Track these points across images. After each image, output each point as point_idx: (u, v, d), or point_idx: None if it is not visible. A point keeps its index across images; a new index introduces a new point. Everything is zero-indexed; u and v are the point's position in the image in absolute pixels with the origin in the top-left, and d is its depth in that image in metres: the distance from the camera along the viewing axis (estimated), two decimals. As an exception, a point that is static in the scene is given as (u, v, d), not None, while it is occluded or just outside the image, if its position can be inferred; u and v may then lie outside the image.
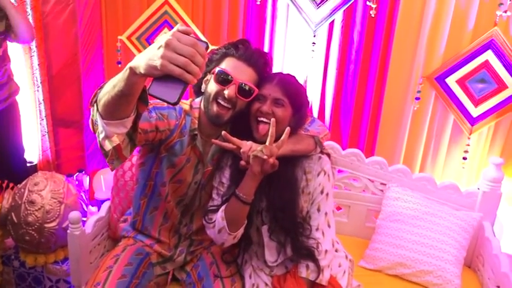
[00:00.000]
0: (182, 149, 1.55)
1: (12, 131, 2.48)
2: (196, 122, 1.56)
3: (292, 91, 1.52)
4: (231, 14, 2.48)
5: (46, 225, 1.98)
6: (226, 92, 1.46)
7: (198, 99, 1.60)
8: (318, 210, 1.54)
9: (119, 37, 2.53)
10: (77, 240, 1.76)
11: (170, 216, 1.66)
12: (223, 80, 1.46)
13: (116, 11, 2.55)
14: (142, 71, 0.89)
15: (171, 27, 2.47)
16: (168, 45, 0.84)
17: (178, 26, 0.88)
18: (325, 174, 1.56)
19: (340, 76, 2.48)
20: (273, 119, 1.40)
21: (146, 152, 1.60)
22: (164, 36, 0.86)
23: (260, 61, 1.52)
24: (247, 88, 1.48)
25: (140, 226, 1.71)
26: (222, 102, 1.47)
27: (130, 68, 0.94)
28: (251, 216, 1.51)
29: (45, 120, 2.69)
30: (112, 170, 1.35)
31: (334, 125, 2.58)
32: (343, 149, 2.17)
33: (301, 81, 2.53)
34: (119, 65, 2.56)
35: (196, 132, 1.55)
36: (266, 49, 2.52)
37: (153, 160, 1.59)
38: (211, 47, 2.41)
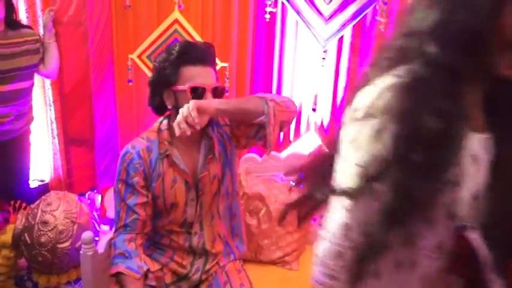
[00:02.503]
0: (162, 176, 1.55)
1: (22, 156, 2.51)
2: (166, 143, 1.55)
3: None
4: (240, 31, 2.50)
5: (59, 245, 1.98)
6: None
7: (164, 121, 1.59)
8: None
9: (130, 56, 2.56)
10: (90, 260, 1.74)
11: (179, 233, 1.65)
12: (198, 94, 1.46)
13: (126, 30, 2.58)
14: None
15: (181, 46, 2.50)
16: None
17: None
18: None
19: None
20: None
21: None
22: None
23: (211, 54, 1.52)
24: (219, 89, 1.51)
25: (158, 238, 1.70)
26: None
27: None
28: None
29: (56, 138, 2.71)
30: None
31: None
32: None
33: (311, 97, 2.54)
34: (130, 84, 2.58)
35: (167, 153, 1.55)
36: (276, 65, 2.53)
37: None
38: (220, 64, 2.44)
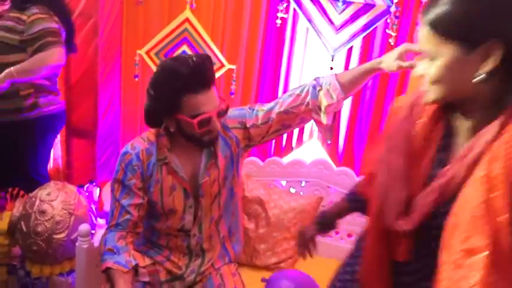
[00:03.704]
0: (160, 182, 1.55)
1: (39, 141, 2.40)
2: (166, 150, 1.54)
3: None
4: (250, 34, 2.50)
5: (55, 236, 1.97)
6: (211, 128, 1.45)
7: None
8: None
9: (138, 51, 2.56)
10: (84, 253, 1.74)
11: (177, 236, 1.65)
12: (204, 123, 1.42)
13: (136, 25, 2.58)
14: None
15: (190, 45, 2.50)
16: None
17: None
18: None
19: (356, 102, 2.48)
20: None
21: None
22: None
23: (209, 73, 1.42)
24: (224, 111, 1.49)
25: (155, 238, 1.70)
26: (211, 134, 1.47)
27: None
28: None
29: (58, 134, 2.70)
30: None
31: (348, 151, 2.56)
32: (357, 175, 2.15)
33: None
34: (136, 79, 2.58)
35: (166, 161, 1.53)
36: (283, 71, 2.53)
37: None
38: (228, 66, 2.44)
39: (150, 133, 1.58)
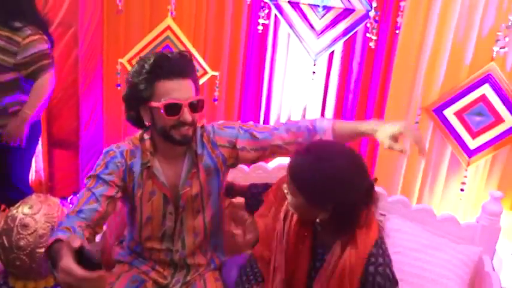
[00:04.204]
0: (141, 187, 1.51)
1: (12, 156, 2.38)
2: (149, 153, 1.50)
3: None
4: (233, 41, 2.50)
5: (38, 250, 1.92)
6: (182, 119, 1.40)
7: (148, 130, 1.52)
8: None
9: (120, 60, 2.54)
10: (70, 266, 1.70)
11: (160, 250, 1.61)
12: (173, 110, 1.38)
13: (117, 34, 2.56)
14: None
15: (172, 52, 2.49)
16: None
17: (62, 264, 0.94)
18: None
19: (339, 105, 2.50)
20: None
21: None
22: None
23: (185, 65, 1.41)
24: (197, 103, 1.42)
25: (139, 249, 1.66)
26: (182, 128, 1.42)
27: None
28: None
29: (39, 140, 2.66)
30: None
31: (333, 154, 2.58)
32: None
33: (300, 109, 2.56)
34: (118, 88, 2.55)
35: (149, 165, 1.50)
36: (266, 77, 2.54)
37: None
38: (211, 73, 2.44)
39: (134, 137, 1.55)
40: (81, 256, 0.95)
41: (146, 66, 1.37)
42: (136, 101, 1.43)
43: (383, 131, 1.40)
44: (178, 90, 1.38)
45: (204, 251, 1.68)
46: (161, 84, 1.37)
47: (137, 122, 1.51)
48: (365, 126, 1.49)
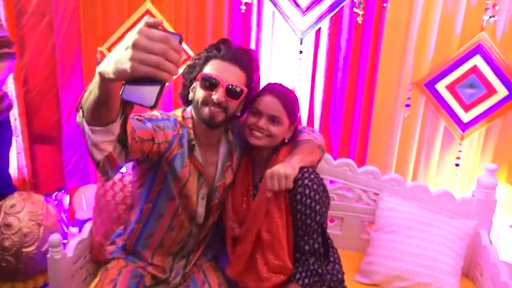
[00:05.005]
0: (183, 161, 1.45)
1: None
2: (192, 132, 1.47)
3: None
4: (215, 23, 2.41)
5: (24, 249, 1.86)
6: (214, 97, 1.39)
7: (188, 109, 1.52)
8: None
9: (99, 48, 2.44)
10: (57, 264, 1.65)
11: (180, 229, 1.56)
12: (210, 84, 1.40)
13: (95, 21, 2.45)
14: (112, 76, 0.80)
15: (153, 38, 2.40)
16: (136, 46, 0.74)
17: (146, 19, 0.77)
18: None
19: (329, 84, 2.44)
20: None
21: (145, 170, 1.48)
22: (131, 34, 0.76)
23: (245, 58, 1.47)
24: (235, 89, 1.41)
25: (132, 249, 1.61)
26: (213, 108, 1.41)
27: (99, 73, 0.84)
28: None
29: (20, 136, 2.57)
30: (107, 181, 1.45)
31: (324, 134, 2.50)
32: (334, 159, 2.11)
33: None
34: (99, 77, 2.46)
35: (194, 143, 1.47)
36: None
37: (154, 177, 1.47)
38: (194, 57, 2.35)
39: (174, 114, 1.51)
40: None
41: (210, 46, 1.49)
42: (191, 75, 1.49)
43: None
44: (225, 71, 1.42)
45: (207, 237, 1.68)
46: (213, 62, 1.44)
47: (188, 101, 1.54)
48: None
